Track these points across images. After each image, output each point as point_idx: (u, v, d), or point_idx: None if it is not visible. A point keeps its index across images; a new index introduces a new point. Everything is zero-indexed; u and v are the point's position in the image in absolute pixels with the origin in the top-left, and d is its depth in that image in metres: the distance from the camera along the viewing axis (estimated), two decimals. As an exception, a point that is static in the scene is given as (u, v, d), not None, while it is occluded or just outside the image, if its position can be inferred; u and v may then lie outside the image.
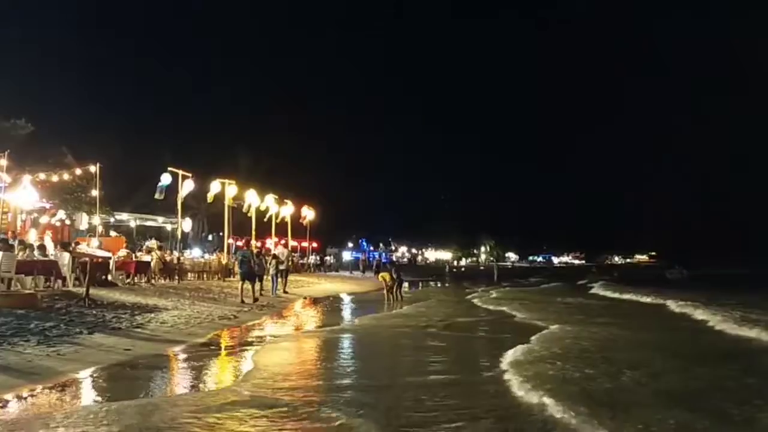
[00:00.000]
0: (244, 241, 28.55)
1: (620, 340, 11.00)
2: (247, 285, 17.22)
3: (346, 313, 17.98)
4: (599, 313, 17.00)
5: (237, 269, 19.06)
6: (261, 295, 17.98)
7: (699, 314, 15.27)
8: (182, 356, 9.06)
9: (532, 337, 10.67)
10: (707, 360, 8.91)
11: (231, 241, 29.98)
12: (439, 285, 37.21)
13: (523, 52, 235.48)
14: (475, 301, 21.09)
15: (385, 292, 19.53)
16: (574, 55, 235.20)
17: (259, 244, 24.53)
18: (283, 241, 31.85)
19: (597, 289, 29.02)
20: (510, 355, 8.64)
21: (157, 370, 7.81)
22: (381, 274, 21.29)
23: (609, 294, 25.83)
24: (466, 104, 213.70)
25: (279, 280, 21.17)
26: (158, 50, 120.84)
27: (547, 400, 5.82)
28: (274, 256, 21.60)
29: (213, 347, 10.10)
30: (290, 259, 25.47)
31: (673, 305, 18.05)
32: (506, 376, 7.19)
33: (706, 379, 7.36)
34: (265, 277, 19.36)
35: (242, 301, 16.44)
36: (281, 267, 21.67)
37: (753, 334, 11.10)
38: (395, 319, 14.78)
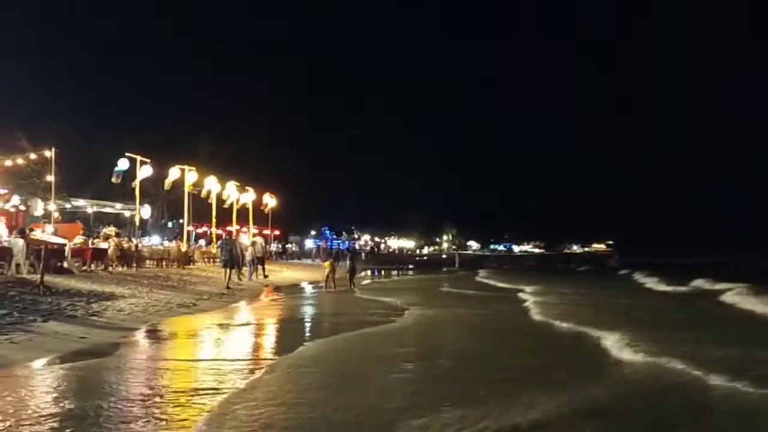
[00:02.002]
0: (226, 231, 28.70)
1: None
2: (228, 271, 18.58)
3: (299, 298, 18.30)
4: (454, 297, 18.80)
5: (220, 256, 20.48)
6: (239, 279, 19.87)
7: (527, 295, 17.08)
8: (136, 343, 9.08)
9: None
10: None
11: (191, 228, 29.75)
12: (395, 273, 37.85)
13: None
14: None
15: (324, 277, 19.86)
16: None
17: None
18: (258, 231, 31.99)
19: (479, 278, 29.81)
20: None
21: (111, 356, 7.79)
22: (325, 262, 21.93)
23: (484, 281, 27.31)
24: (430, 91, 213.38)
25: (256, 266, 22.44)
26: (118, 33, 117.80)
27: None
28: (252, 244, 22.95)
29: (166, 335, 10.11)
30: (264, 247, 25.94)
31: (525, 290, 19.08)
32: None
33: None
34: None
35: (228, 287, 17.60)
36: (258, 255, 22.75)
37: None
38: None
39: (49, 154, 22.11)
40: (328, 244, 66.57)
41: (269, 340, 10.59)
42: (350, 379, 6.46)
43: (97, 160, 30.72)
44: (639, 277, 27.07)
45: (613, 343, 8.26)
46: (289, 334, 10.73)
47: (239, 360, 7.97)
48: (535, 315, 12.82)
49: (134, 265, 20.23)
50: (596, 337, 8.97)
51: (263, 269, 23.07)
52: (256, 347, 9.59)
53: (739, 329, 10.97)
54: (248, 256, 21.80)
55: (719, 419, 4.99)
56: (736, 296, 15.31)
